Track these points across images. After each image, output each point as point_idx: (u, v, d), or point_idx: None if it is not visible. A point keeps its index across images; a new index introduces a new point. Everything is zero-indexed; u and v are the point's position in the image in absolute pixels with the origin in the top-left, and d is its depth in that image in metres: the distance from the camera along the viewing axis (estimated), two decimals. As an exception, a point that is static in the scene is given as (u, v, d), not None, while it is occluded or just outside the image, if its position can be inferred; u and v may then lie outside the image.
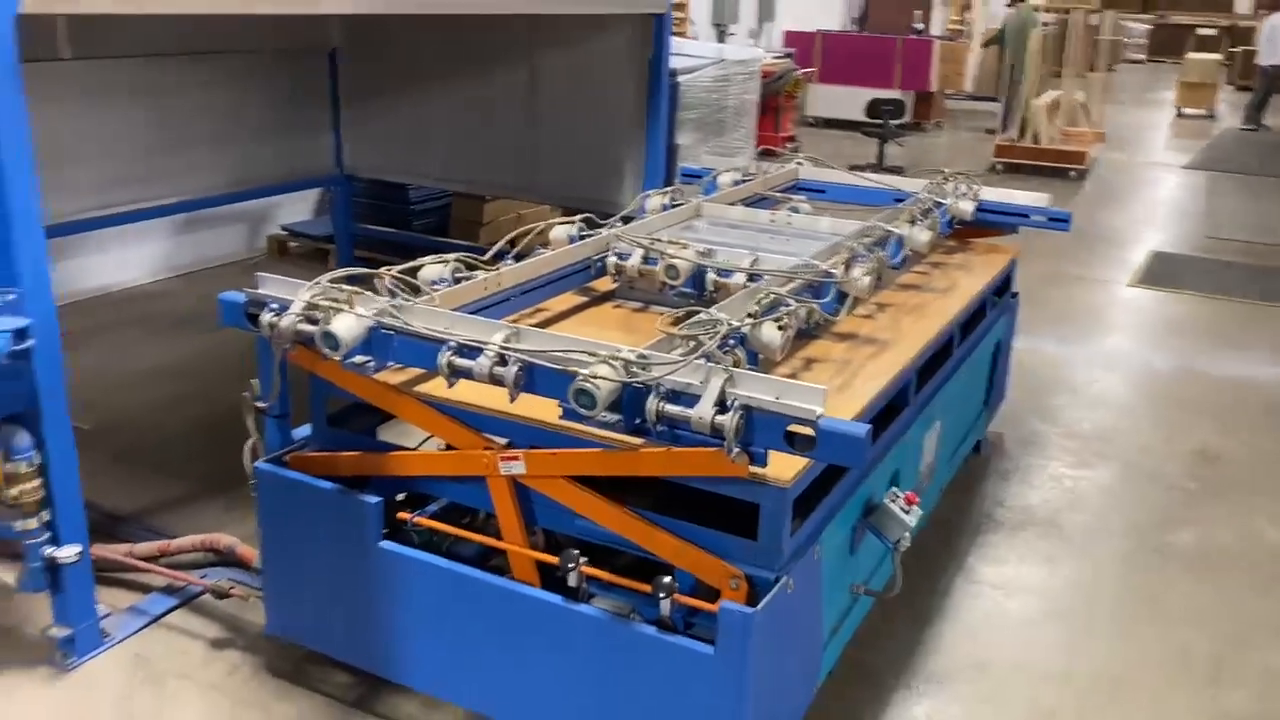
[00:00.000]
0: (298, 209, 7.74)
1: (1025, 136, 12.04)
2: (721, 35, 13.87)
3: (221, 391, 4.99)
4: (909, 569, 3.65)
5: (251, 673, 3.09)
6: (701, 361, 2.34)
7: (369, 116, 6.33)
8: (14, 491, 2.87)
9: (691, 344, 2.48)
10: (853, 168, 5.74)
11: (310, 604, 2.98)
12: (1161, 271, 8.13)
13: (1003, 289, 4.61)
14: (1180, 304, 7.33)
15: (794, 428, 2.24)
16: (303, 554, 2.94)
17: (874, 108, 11.83)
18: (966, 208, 4.36)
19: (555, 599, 2.59)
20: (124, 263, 6.58)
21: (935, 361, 3.67)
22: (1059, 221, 4.59)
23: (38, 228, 2.79)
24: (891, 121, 11.51)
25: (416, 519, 2.81)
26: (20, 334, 2.75)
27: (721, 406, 2.27)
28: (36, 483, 2.90)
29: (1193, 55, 20.32)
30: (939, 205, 4.24)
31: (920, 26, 17.18)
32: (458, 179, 6.31)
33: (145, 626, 3.26)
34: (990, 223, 4.64)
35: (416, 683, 2.87)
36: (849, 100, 13.97)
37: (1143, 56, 30.34)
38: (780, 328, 2.75)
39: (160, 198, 5.48)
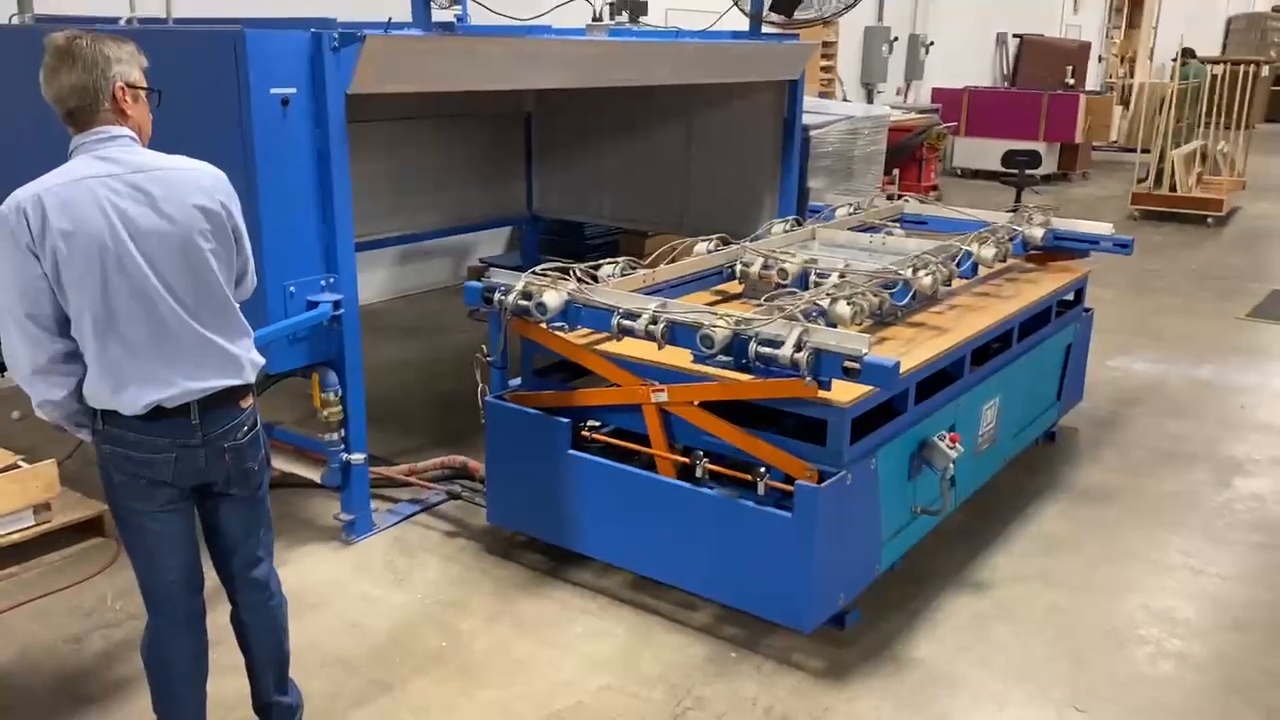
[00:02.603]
0: (493, 245, 9.24)
1: (1162, 185, 12.56)
2: (870, 94, 14.93)
3: (436, 379, 6.43)
4: (973, 514, 4.65)
5: (475, 550, 4.35)
6: (785, 320, 3.48)
7: (554, 167, 7.72)
8: (325, 413, 4.24)
9: (781, 311, 3.62)
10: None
11: (519, 498, 4.23)
12: (1276, 307, 8.67)
13: (1073, 301, 5.54)
14: (1283, 334, 7.92)
15: (847, 363, 3.35)
16: (514, 462, 4.19)
17: (1009, 158, 12.61)
18: (1037, 233, 5.34)
19: (688, 485, 3.75)
20: (362, 285, 8.13)
21: (997, 350, 4.68)
22: (1122, 246, 5.49)
23: (350, 237, 4.17)
24: (1027, 171, 12.27)
25: (594, 435, 4.03)
26: (337, 304, 4.13)
27: (798, 348, 3.40)
28: (339, 408, 4.25)
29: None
30: (1014, 232, 5.25)
31: (1071, 81, 17.75)
32: (624, 218, 7.61)
33: (401, 521, 4.58)
34: (1065, 248, 5.60)
35: (593, 551, 4.07)
36: (993, 151, 14.73)
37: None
38: (851, 306, 3.86)
39: (394, 231, 6.99)
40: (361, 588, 4.06)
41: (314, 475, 4.41)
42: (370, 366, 6.74)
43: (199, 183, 2.65)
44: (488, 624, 3.83)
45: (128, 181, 2.55)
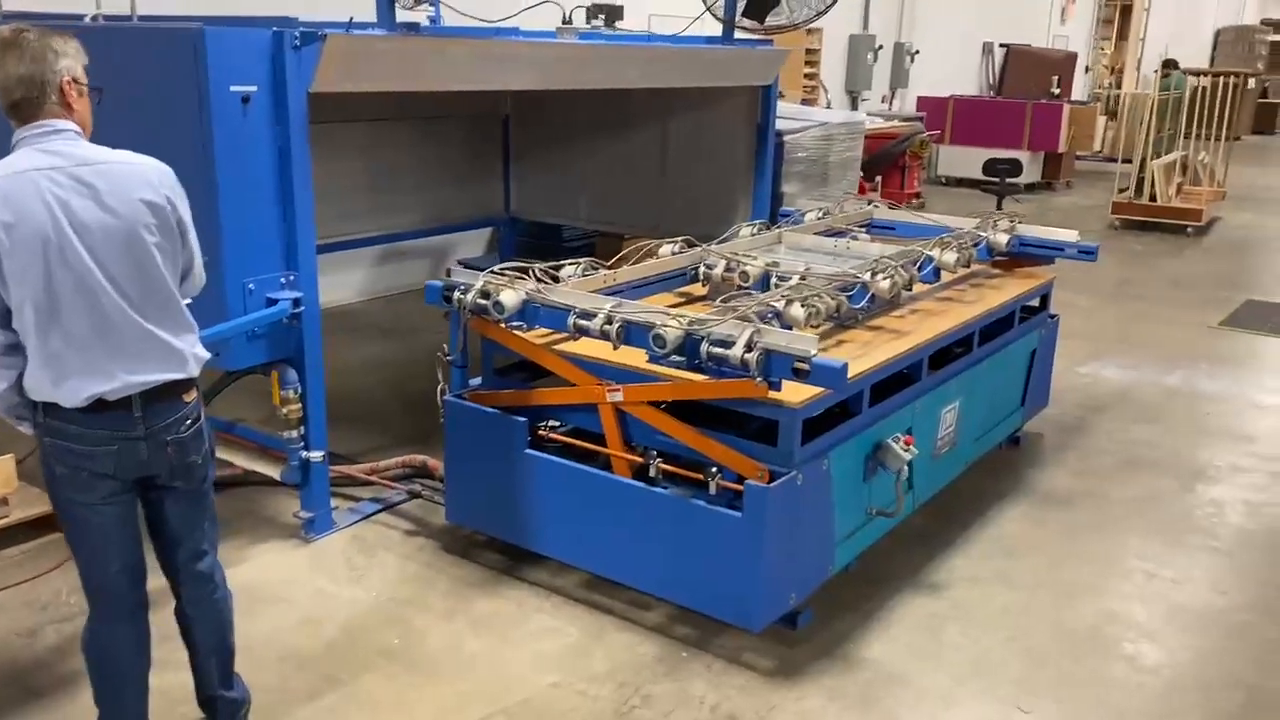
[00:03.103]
0: (473, 247, 9.25)
1: (1143, 195, 12.63)
2: (855, 102, 14.99)
3: (409, 380, 6.44)
4: (933, 517, 4.68)
5: (433, 549, 4.36)
6: (737, 320, 3.50)
7: (532, 169, 7.75)
8: (285, 410, 4.25)
9: (734, 312, 3.65)
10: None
11: (477, 497, 4.24)
12: (1250, 316, 8.74)
13: (1038, 308, 5.57)
14: (1253, 343, 7.95)
15: (797, 364, 3.37)
16: (473, 461, 4.21)
17: (990, 166, 12.67)
18: (1002, 239, 5.37)
19: (641, 485, 3.77)
20: (338, 286, 8.18)
21: (959, 354, 4.71)
22: (1087, 254, 5.52)
23: (312, 235, 4.18)
24: (1008, 179, 12.34)
25: (550, 434, 4.05)
26: (296, 302, 4.14)
27: (749, 349, 3.42)
28: (298, 406, 4.26)
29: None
30: (977, 238, 5.29)
31: (1056, 91, 17.83)
32: (600, 220, 7.63)
33: (361, 519, 4.59)
34: (1031, 254, 5.63)
35: (549, 550, 4.09)
36: (977, 160, 14.79)
37: (1311, 119, 29.77)
38: (806, 308, 3.88)
39: (370, 231, 7.01)
40: (318, 584, 4.07)
41: (273, 473, 4.42)
42: (345, 366, 6.80)
43: (144, 177, 2.67)
44: (442, 621, 3.84)
45: (71, 175, 2.57)
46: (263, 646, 3.63)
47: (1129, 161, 13.01)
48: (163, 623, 3.03)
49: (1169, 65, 13.91)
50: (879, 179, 12.71)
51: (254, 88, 3.85)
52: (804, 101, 12.68)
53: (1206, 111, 13.15)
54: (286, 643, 3.68)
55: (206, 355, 2.86)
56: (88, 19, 4.38)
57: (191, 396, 2.82)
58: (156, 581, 2.93)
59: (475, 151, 7.60)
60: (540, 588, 4.08)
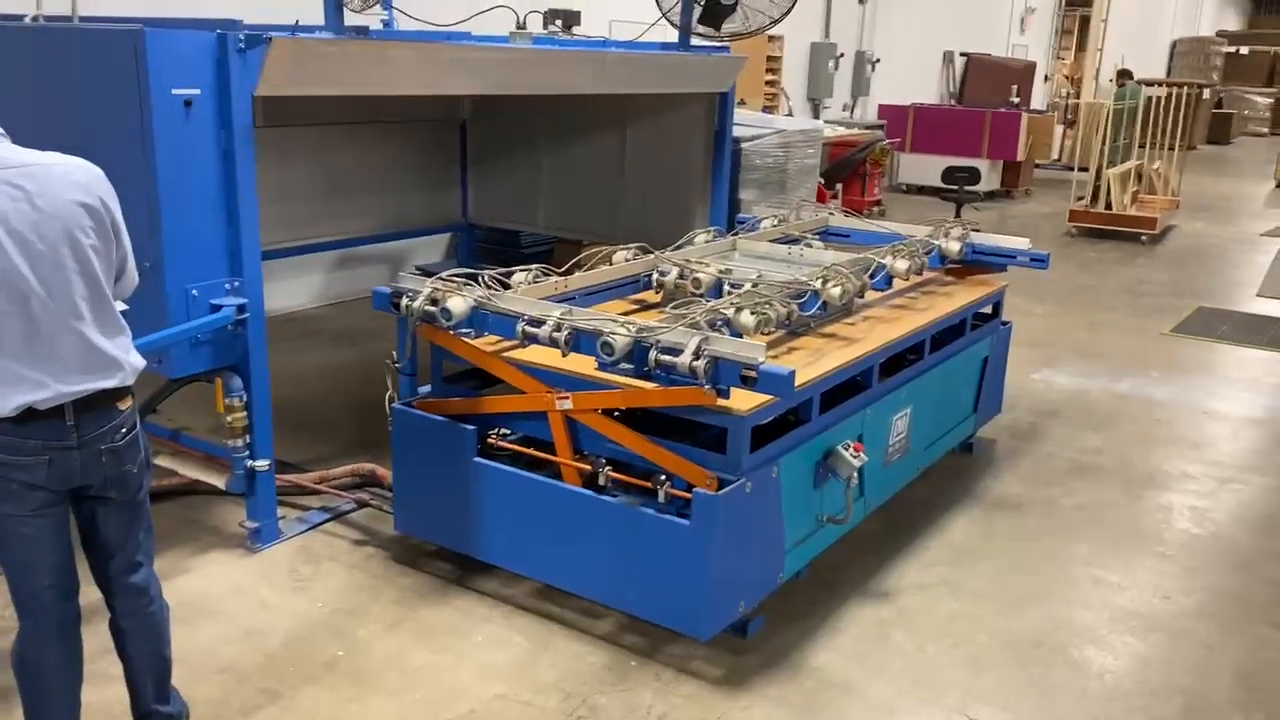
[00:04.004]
0: (431, 252, 9.19)
1: (1098, 203, 12.79)
2: (816, 110, 15.07)
3: (364, 386, 6.37)
4: (884, 523, 4.70)
5: (382, 559, 4.31)
6: (685, 328, 3.49)
7: (489, 175, 7.70)
8: (229, 418, 4.18)
9: (684, 319, 3.64)
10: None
11: (426, 506, 4.20)
12: (1200, 323, 8.86)
13: (990, 315, 5.61)
14: (1202, 350, 8.07)
15: (745, 371, 3.37)
16: (422, 470, 4.16)
17: (949, 174, 12.79)
18: (954, 247, 5.41)
19: (590, 493, 3.75)
20: (293, 291, 8.10)
21: (908, 361, 4.73)
22: (1038, 261, 5.57)
23: (256, 241, 4.12)
24: (967, 187, 12.46)
25: (500, 442, 4.02)
26: (241, 308, 4.08)
27: (697, 356, 3.41)
28: (243, 413, 4.20)
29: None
30: (929, 246, 5.32)
31: (1016, 100, 18.03)
32: (558, 226, 7.60)
33: (308, 530, 4.52)
34: (983, 262, 5.67)
35: (498, 559, 4.05)
36: (935, 168, 14.94)
37: (1265, 130, 30.37)
38: (755, 315, 3.88)
39: (324, 236, 6.94)
40: (261, 595, 4.01)
41: (219, 482, 4.35)
42: (297, 372, 6.72)
43: (75, 178, 2.61)
44: (386, 632, 3.79)
45: (1, 178, 2.51)
46: (203, 658, 3.56)
47: (1086, 170, 13.18)
48: (99, 635, 2.96)
49: (1124, 75, 14.11)
50: (840, 186, 12.79)
51: (197, 91, 3.79)
52: (765, 109, 12.73)
53: (1162, 121, 13.35)
54: (227, 655, 3.61)
55: (142, 363, 2.80)
56: (27, 19, 4.30)
57: (127, 404, 2.76)
58: (91, 594, 2.87)
59: (432, 157, 7.55)
60: (489, 597, 4.04)
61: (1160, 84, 15.06)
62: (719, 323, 3.83)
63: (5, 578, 2.76)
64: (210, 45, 3.80)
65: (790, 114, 13.74)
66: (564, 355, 3.69)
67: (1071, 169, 16.53)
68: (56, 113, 3.95)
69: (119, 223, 2.72)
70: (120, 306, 2.78)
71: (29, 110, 3.87)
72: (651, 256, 4.86)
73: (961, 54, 19.23)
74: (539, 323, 3.70)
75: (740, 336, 3.88)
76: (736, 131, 6.91)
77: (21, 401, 2.56)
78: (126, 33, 3.64)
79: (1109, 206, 12.76)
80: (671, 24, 6.22)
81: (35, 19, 4.27)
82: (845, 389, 4.21)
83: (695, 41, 6.25)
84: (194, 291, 3.94)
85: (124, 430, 2.75)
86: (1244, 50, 33.34)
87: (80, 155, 2.68)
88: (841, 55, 15.27)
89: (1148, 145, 13.49)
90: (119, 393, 2.73)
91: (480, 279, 4.07)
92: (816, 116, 14.77)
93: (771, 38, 12.96)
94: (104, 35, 3.81)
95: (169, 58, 3.69)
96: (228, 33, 3.80)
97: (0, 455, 2.60)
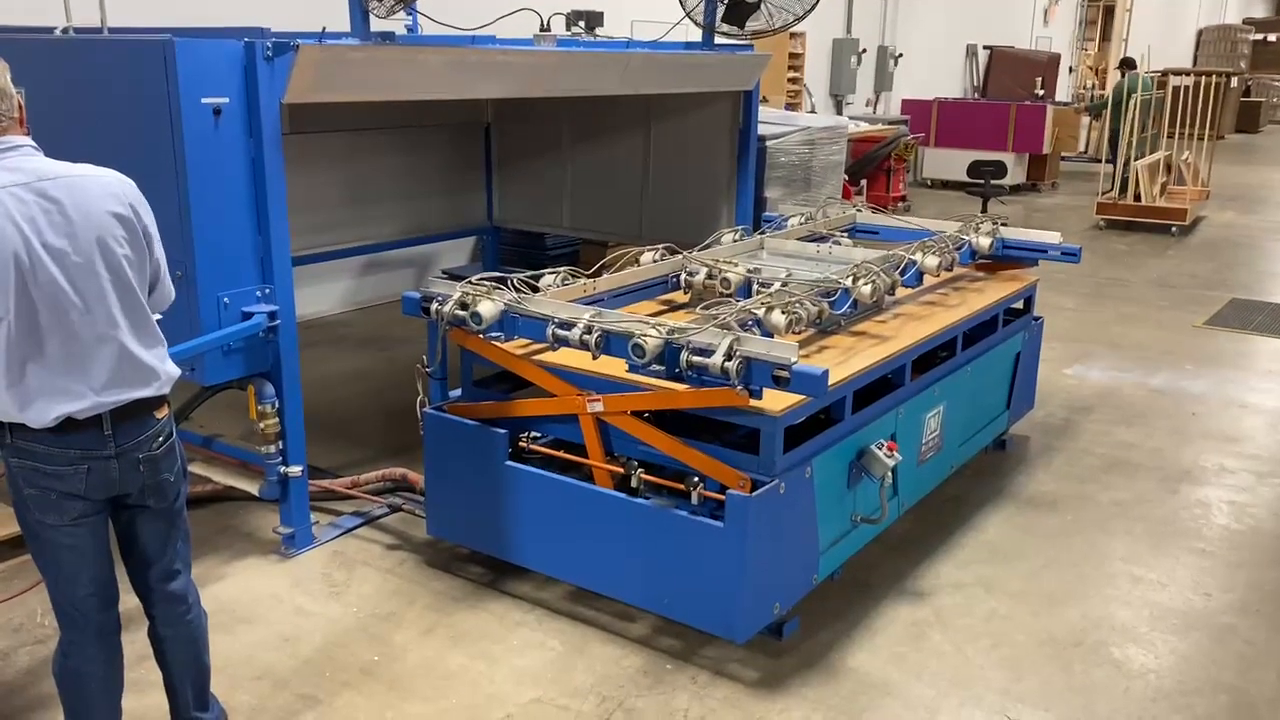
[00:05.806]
0: (457, 256, 9.21)
1: (1127, 195, 12.66)
2: (839, 106, 15.00)
3: (393, 391, 6.40)
4: (918, 522, 4.66)
5: (415, 563, 4.32)
6: (717, 329, 3.47)
7: (514, 178, 7.71)
8: (262, 425, 4.20)
9: (715, 319, 3.62)
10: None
11: (458, 510, 4.20)
12: (1233, 315, 8.74)
13: (1022, 310, 5.56)
14: (1236, 342, 7.96)
15: (777, 372, 3.34)
16: (454, 474, 4.16)
17: (974, 169, 12.68)
18: (984, 242, 5.36)
19: (623, 496, 3.74)
20: (320, 297, 8.13)
21: (941, 358, 4.69)
22: (1070, 255, 5.51)
23: (287, 247, 4.14)
24: (992, 181, 12.36)
25: (531, 445, 4.01)
26: (272, 315, 4.10)
27: (729, 357, 3.39)
28: (275, 420, 4.21)
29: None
30: (960, 241, 5.27)
31: (1040, 93, 17.88)
32: (584, 228, 7.59)
33: (341, 535, 4.54)
34: (1014, 257, 5.62)
35: (531, 563, 4.05)
36: (960, 162, 14.82)
37: (1294, 118, 29.99)
38: (786, 315, 3.85)
39: (351, 241, 6.96)
40: (297, 601, 4.02)
41: (252, 488, 4.37)
42: (326, 378, 6.75)
43: (108, 189, 2.63)
44: (422, 637, 3.79)
45: (35, 190, 2.52)
46: (240, 665, 3.58)
47: (1097, 160, 13.01)
48: (138, 643, 2.98)
49: (1126, 64, 13.94)
50: (864, 183, 12.73)
51: (226, 99, 3.80)
52: (788, 106, 12.68)
53: (1190, 110, 13.18)
54: (264, 661, 3.63)
55: (177, 371, 2.81)
56: (58, 31, 4.34)
57: (163, 413, 2.78)
58: (130, 602, 2.88)
59: (457, 161, 7.56)
60: (523, 601, 4.04)
61: (1188, 73, 14.87)
62: (750, 323, 3.81)
63: (46, 587, 2.78)
64: (238, 54, 3.82)
65: (813, 110, 13.68)
66: (594, 358, 3.67)
67: (1097, 161, 16.42)
68: (87, 124, 3.97)
69: (151, 232, 2.73)
70: (154, 316, 2.79)
71: (60, 122, 3.89)
72: (679, 257, 4.84)
73: (985, 47, 19.09)
74: (569, 325, 3.69)
75: (771, 336, 3.86)
76: (760, 129, 6.88)
77: (61, 412, 2.57)
78: (156, 43, 3.66)
79: (1138, 198, 12.62)
80: (695, 23, 6.19)
81: (66, 31, 4.31)
82: (877, 387, 4.18)
83: (719, 40, 6.23)
84: (225, 299, 3.96)
85: (161, 439, 2.76)
86: (1272, 38, 32.91)
87: (111, 165, 2.70)
88: (864, 51, 15.19)
89: (1175, 135, 13.33)
90: (156, 401, 2.74)
91: (509, 282, 4.06)
92: (839, 113, 14.71)
93: (794, 34, 12.90)
94: (134, 46, 3.83)
95: (198, 67, 3.70)
96: (255, 41, 3.82)
97: (39, 465, 2.62)
